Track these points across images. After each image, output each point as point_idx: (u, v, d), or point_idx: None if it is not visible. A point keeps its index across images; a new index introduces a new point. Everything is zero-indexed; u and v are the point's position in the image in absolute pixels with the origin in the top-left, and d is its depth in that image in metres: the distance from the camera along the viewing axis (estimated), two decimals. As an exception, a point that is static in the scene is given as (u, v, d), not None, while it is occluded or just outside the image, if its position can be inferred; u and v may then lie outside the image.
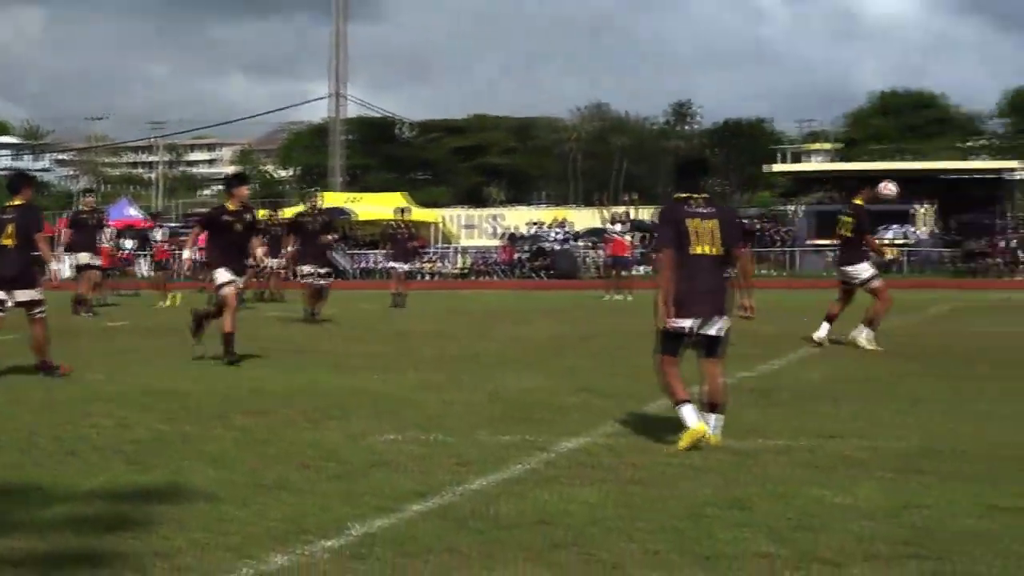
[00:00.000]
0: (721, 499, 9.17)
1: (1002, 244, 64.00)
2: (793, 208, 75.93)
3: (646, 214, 71.07)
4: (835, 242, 24.64)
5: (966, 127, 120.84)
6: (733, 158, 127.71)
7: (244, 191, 20.72)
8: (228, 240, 19.46)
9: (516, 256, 68.28)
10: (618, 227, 44.37)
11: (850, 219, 21.15)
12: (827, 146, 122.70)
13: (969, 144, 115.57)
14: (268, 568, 7.41)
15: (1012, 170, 79.74)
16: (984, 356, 19.92)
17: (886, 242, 66.39)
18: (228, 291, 19.16)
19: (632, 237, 50.43)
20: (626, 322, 29.09)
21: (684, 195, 11.86)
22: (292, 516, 8.70)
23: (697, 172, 12.31)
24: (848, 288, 21.51)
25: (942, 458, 10.79)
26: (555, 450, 11.38)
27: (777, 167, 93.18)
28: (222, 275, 19.21)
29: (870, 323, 21.22)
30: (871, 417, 13.26)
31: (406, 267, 37.94)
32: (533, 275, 64.60)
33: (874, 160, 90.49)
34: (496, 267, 68.63)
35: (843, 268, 21.54)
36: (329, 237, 29.89)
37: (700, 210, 11.74)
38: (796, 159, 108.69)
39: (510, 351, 21.96)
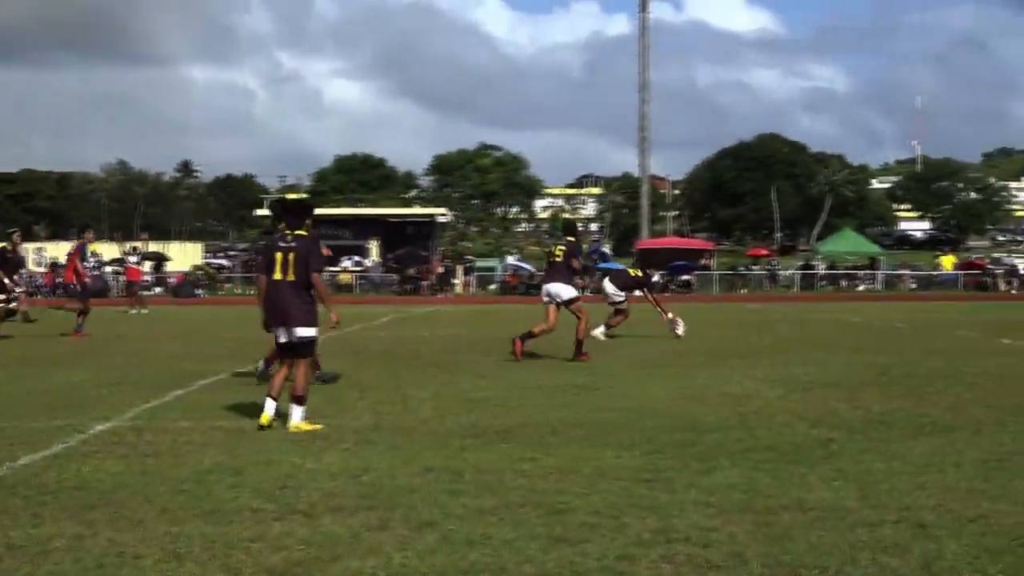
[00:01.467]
0: (220, 467, 9.07)
1: (435, 271, 65.85)
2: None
3: (156, 247, 69.54)
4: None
5: (405, 182, 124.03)
6: (229, 204, 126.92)
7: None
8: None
9: (56, 280, 65.56)
10: (132, 258, 43.84)
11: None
12: (300, 195, 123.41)
13: (408, 196, 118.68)
14: None
15: (441, 215, 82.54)
16: (417, 354, 20.40)
17: (341, 269, 67.32)
18: None
19: (143, 265, 49.83)
20: (147, 330, 28.54)
21: (284, 231, 11.72)
22: None
23: (296, 213, 12.09)
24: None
25: (388, 432, 10.99)
26: (90, 432, 10.99)
27: (261, 211, 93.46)
28: None
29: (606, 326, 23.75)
30: (336, 402, 13.37)
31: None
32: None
33: (337, 207, 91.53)
34: (39, 289, 65.72)
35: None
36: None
37: (286, 244, 11.61)
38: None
39: (58, 352, 21.08)
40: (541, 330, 19.25)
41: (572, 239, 19.86)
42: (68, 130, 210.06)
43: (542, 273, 62.02)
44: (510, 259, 74.65)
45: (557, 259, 19.53)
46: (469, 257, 77.14)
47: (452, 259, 72.94)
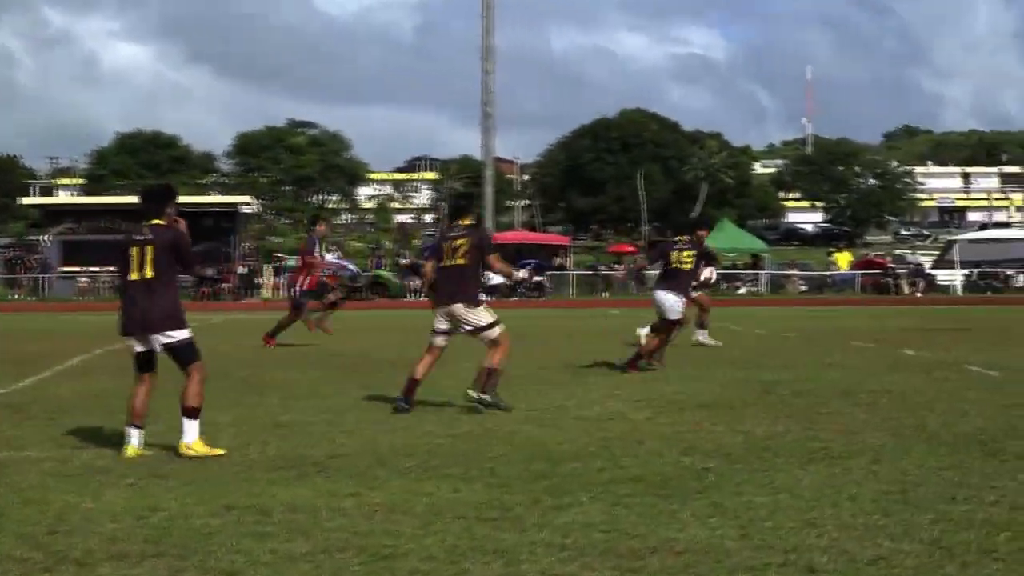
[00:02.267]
0: (-25, 509, 8.90)
1: (237, 271, 65.29)
2: (43, 238, 74.12)
3: None
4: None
5: (202, 165, 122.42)
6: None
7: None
8: None
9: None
10: None
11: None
12: (75, 181, 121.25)
13: (206, 181, 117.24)
14: None
15: (245, 204, 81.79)
16: (215, 371, 20.17)
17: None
18: None
19: None
20: None
21: (142, 224, 11.57)
22: None
23: (154, 199, 11.90)
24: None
25: (181, 465, 10.89)
26: None
27: (28, 200, 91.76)
28: None
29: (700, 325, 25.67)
30: (115, 428, 13.18)
31: None
32: None
33: (119, 194, 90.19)
34: None
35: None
36: None
37: (142, 237, 11.48)
38: (46, 192, 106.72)
39: None
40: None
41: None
42: None
43: (369, 273, 61.21)
44: (329, 256, 74.26)
45: (685, 267, 20.40)
46: (279, 255, 76.54)
47: (258, 257, 72.29)
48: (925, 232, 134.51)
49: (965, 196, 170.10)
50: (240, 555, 7.48)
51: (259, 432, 12.93)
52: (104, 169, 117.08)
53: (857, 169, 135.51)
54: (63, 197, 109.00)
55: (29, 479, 10.14)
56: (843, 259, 77.22)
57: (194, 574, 7.08)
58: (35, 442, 12.21)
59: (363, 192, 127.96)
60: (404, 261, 70.13)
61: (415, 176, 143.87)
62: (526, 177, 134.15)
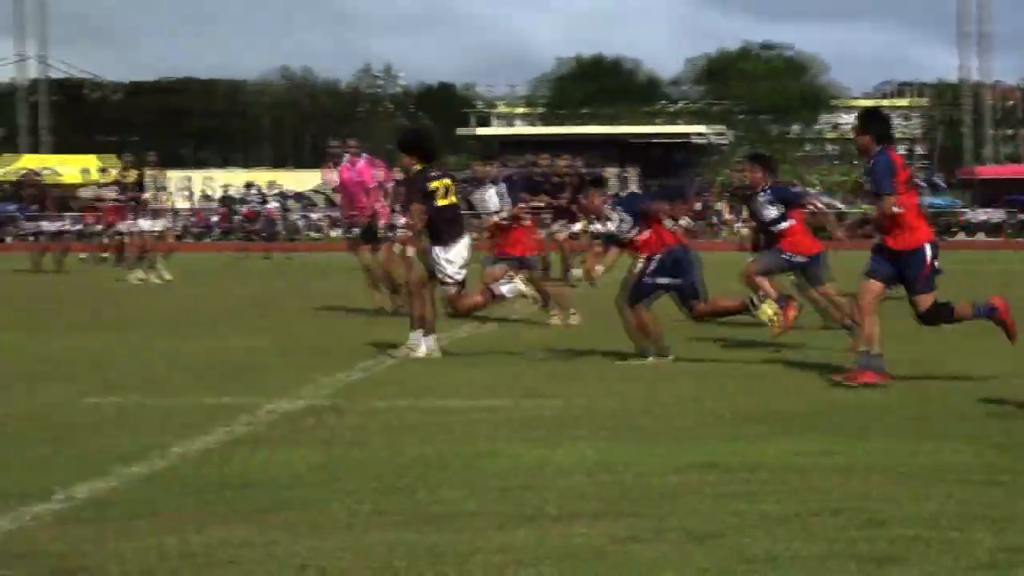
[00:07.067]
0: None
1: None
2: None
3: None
4: None
5: (648, 91, 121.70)
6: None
7: None
8: None
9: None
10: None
11: None
12: (518, 110, 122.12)
13: (652, 109, 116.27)
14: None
15: (698, 134, 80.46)
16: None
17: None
18: None
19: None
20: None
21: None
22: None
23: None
24: None
25: (639, 418, 11.25)
26: (258, 413, 11.45)
27: (482, 131, 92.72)
28: None
29: None
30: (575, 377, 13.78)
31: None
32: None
33: (579, 124, 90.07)
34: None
35: None
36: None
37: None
38: (483, 123, 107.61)
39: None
40: None
41: None
42: (215, 27, 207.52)
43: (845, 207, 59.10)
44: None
45: None
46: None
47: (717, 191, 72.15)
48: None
49: None
50: (697, 515, 7.66)
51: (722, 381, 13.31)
52: (546, 97, 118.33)
53: None
54: (521, 127, 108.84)
55: (478, 429, 10.66)
56: None
57: (654, 534, 7.25)
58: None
59: (825, 119, 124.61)
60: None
61: (898, 102, 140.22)
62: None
